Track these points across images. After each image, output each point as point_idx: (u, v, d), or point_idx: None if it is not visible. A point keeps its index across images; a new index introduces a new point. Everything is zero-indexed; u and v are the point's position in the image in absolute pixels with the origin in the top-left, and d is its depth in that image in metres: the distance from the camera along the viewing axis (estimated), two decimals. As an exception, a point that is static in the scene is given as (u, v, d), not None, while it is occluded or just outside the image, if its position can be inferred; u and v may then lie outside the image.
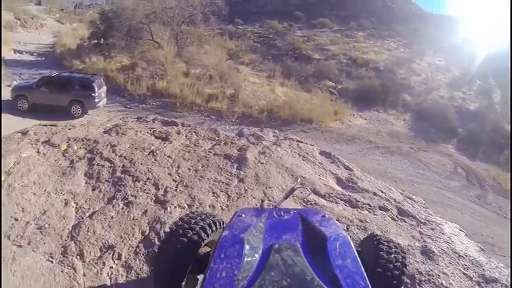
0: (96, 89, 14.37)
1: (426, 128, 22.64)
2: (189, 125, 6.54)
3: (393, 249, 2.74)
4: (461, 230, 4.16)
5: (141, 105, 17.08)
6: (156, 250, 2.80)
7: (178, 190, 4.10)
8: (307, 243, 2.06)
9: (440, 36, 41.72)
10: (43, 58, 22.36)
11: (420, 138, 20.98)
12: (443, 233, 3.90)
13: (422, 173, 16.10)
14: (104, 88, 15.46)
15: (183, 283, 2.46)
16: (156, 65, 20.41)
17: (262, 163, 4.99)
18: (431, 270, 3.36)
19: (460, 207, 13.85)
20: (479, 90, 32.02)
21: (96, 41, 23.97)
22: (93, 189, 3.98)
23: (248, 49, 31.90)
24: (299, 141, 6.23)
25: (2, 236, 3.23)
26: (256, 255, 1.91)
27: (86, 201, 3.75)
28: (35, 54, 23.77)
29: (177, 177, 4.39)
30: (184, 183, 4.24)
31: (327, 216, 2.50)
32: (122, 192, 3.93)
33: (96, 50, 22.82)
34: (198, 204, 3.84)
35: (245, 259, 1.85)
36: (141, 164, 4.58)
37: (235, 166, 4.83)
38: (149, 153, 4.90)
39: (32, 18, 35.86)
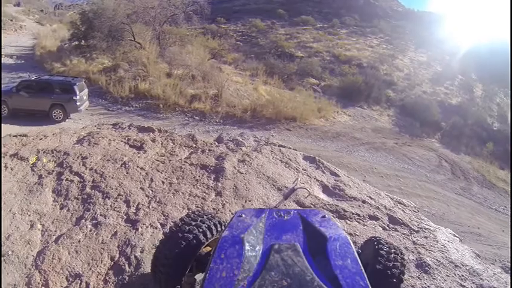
0: (78, 92, 13.85)
1: (410, 123, 22.79)
2: (166, 131, 6.32)
3: (392, 250, 2.82)
4: (455, 236, 4.01)
5: (124, 108, 16.66)
6: (155, 250, 2.77)
7: (150, 207, 3.86)
8: (307, 243, 2.10)
9: (421, 33, 42.19)
10: (23, 61, 21.67)
11: (404, 133, 21.09)
12: (437, 241, 3.77)
13: (408, 168, 16.12)
14: (86, 91, 14.98)
15: (182, 282, 2.48)
16: (138, 66, 19.98)
17: (242, 173, 4.74)
18: (428, 286, 3.19)
19: (445, 200, 13.95)
20: (460, 85, 32.48)
21: (76, 43, 23.36)
22: (61, 208, 3.71)
23: (231, 48, 31.66)
24: (281, 146, 6.02)
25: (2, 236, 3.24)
26: (256, 256, 1.94)
27: (52, 222, 3.48)
28: (14, 57, 22.99)
29: (150, 191, 4.15)
30: (158, 199, 3.99)
31: (327, 216, 2.51)
32: (90, 211, 3.66)
33: (77, 51, 22.23)
34: (172, 223, 3.45)
35: (245, 259, 1.87)
36: (112, 177, 4.31)
37: (212, 177, 4.58)
38: (121, 165, 4.64)
39: (11, 20, 34.88)
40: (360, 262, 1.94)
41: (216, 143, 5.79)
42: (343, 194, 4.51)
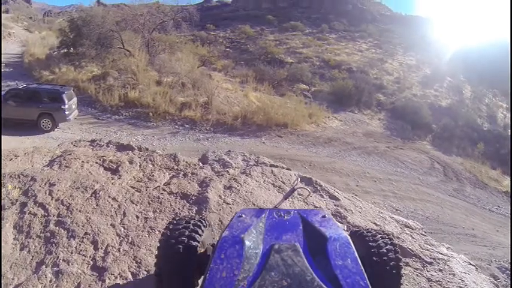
0: (66, 101, 13.49)
1: (401, 126, 22.84)
2: (147, 149, 5.90)
3: (379, 236, 2.74)
4: (470, 264, 3.79)
5: (113, 116, 16.42)
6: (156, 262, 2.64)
7: (121, 250, 3.31)
8: (308, 243, 2.08)
9: (410, 36, 42.63)
10: (11, 69, 21.30)
11: (396, 137, 21.11)
12: (454, 274, 3.46)
13: (401, 171, 16.10)
14: (75, 99, 14.65)
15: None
16: (127, 74, 19.73)
17: (228, 203, 4.20)
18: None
19: (439, 202, 13.97)
20: (450, 87, 32.80)
21: (65, 50, 22.99)
22: (21, 249, 3.24)
23: (220, 55, 31.64)
24: (273, 166, 5.49)
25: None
26: (257, 256, 1.92)
27: (11, 267, 3.04)
28: (3, 64, 22.53)
29: (122, 229, 3.61)
30: (130, 239, 3.46)
31: (327, 216, 2.50)
32: (52, 255, 3.16)
33: (66, 59, 21.82)
34: (146, 272, 3.16)
35: (245, 259, 1.86)
36: (80, 211, 3.78)
37: (194, 210, 4.04)
38: (91, 195, 4.09)
39: (0, 27, 34.33)
40: (360, 262, 1.92)
41: (201, 164, 5.30)
42: (345, 222, 4.09)
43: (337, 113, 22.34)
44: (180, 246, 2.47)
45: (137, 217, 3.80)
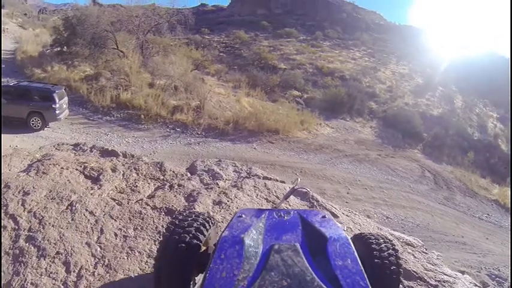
0: (57, 100, 13.31)
1: (393, 134, 22.94)
2: (132, 156, 5.55)
3: (382, 241, 2.73)
4: (476, 286, 3.67)
5: (104, 117, 16.25)
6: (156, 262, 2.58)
7: (96, 274, 2.95)
8: (308, 243, 2.08)
9: (403, 45, 43.04)
10: (3, 65, 20.99)
11: (387, 145, 21.18)
12: None
13: (391, 179, 16.13)
14: (66, 99, 14.47)
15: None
16: (120, 75, 19.61)
17: (218, 221, 3.83)
18: None
19: (430, 210, 14.03)
20: (441, 96, 33.11)
21: (59, 49, 22.81)
22: None
23: (214, 59, 31.60)
24: (266, 178, 5.17)
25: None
26: (256, 256, 1.92)
27: None
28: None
29: (98, 249, 3.21)
30: (106, 261, 3.06)
31: (327, 216, 2.51)
32: (20, 277, 2.81)
33: (59, 58, 21.63)
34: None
35: (245, 259, 1.85)
36: (53, 225, 3.40)
37: None
38: (67, 207, 3.69)
39: (-7, 23, 33.86)
40: (360, 262, 1.92)
41: (188, 174, 4.95)
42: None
43: (329, 120, 22.37)
44: (183, 244, 2.43)
45: (116, 235, 3.43)
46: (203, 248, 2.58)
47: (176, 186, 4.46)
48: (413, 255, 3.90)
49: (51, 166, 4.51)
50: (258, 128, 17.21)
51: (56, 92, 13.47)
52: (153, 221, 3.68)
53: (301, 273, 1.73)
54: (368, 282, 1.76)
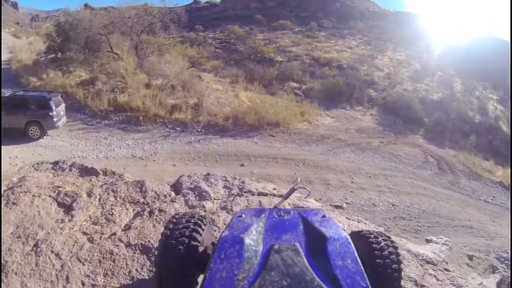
0: (54, 107, 13.23)
1: (393, 121, 22.84)
2: (113, 173, 5.21)
3: (382, 239, 2.75)
4: None
5: (103, 121, 16.15)
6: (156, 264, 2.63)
7: None
8: (308, 243, 2.10)
9: (399, 32, 42.75)
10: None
11: (389, 132, 21.09)
12: None
13: (395, 166, 16.05)
14: (63, 106, 14.39)
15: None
16: (116, 78, 19.47)
17: None
18: None
19: (435, 195, 13.99)
20: (440, 81, 32.94)
21: (53, 55, 22.65)
22: None
23: (210, 56, 31.38)
24: (261, 194, 4.79)
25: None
26: (257, 256, 1.93)
27: None
28: (-10, 73, 22.12)
29: None
30: None
31: (327, 216, 2.52)
32: None
33: (54, 64, 21.49)
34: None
35: (245, 259, 1.87)
36: (16, 273, 3.01)
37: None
38: (32, 248, 3.29)
39: (-14, 34, 33.64)
40: (360, 262, 1.93)
41: (172, 194, 4.56)
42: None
43: (329, 110, 22.26)
44: (181, 247, 2.44)
45: (83, 284, 2.99)
46: (202, 249, 2.59)
47: (157, 212, 4.05)
48: (435, 276, 3.66)
49: (22, 194, 4.15)
50: (258, 122, 17.11)
51: (53, 99, 13.39)
52: (126, 264, 3.28)
53: (301, 273, 1.74)
54: (368, 282, 1.78)
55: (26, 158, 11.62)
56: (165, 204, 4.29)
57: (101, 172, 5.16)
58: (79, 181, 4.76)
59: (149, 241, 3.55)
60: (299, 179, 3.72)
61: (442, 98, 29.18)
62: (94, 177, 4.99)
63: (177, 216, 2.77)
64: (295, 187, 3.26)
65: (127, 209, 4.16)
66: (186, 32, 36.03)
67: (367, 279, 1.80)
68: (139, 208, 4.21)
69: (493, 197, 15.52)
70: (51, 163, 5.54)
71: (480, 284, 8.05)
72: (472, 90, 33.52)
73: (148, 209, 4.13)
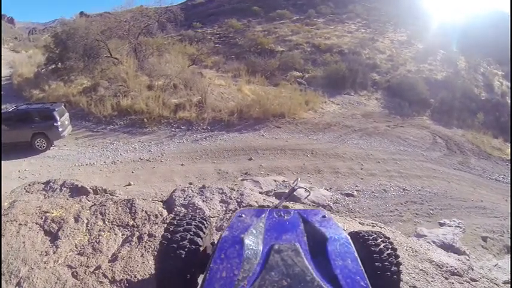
0: (58, 117, 13.35)
1: (399, 103, 22.66)
2: (105, 191, 5.02)
3: (380, 240, 2.74)
4: None
5: (108, 127, 16.22)
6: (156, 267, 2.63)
7: None
8: (308, 243, 2.10)
9: (398, 12, 42.18)
10: (1, 92, 21.09)
11: (395, 115, 20.93)
12: None
13: (404, 149, 15.95)
14: (67, 115, 14.53)
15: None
16: (118, 82, 19.49)
17: None
18: None
19: (445, 177, 13.88)
20: (443, 60, 32.49)
21: (53, 66, 22.81)
22: None
23: (210, 51, 31.27)
24: (262, 207, 4.30)
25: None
26: (257, 256, 1.93)
27: None
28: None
29: None
30: None
31: (327, 216, 2.52)
32: None
33: (55, 75, 21.63)
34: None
35: (245, 259, 1.87)
36: None
37: None
38: None
39: (-15, 52, 33.79)
40: (360, 262, 1.94)
41: (164, 213, 4.31)
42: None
43: (334, 97, 22.13)
44: (182, 251, 2.44)
45: None
46: (201, 248, 2.59)
47: (146, 237, 3.79)
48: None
49: (9, 224, 3.99)
50: (263, 114, 17.06)
51: (56, 110, 13.51)
52: (109, 304, 2.92)
53: (301, 273, 1.74)
54: (368, 282, 1.78)
55: (35, 170, 11.77)
56: (156, 226, 4.07)
57: (91, 191, 4.98)
58: (68, 203, 4.59)
59: (135, 276, 3.30)
60: (299, 179, 3.72)
61: (447, 76, 28.81)
62: (84, 196, 4.81)
63: (177, 218, 2.78)
64: (296, 187, 3.29)
65: (115, 234, 3.95)
66: (184, 30, 35.94)
67: (367, 279, 1.81)
68: (128, 232, 4.00)
69: (504, 175, 15.36)
70: (42, 183, 5.35)
71: (495, 265, 8.04)
72: (477, 67, 33.05)
73: (137, 234, 3.91)
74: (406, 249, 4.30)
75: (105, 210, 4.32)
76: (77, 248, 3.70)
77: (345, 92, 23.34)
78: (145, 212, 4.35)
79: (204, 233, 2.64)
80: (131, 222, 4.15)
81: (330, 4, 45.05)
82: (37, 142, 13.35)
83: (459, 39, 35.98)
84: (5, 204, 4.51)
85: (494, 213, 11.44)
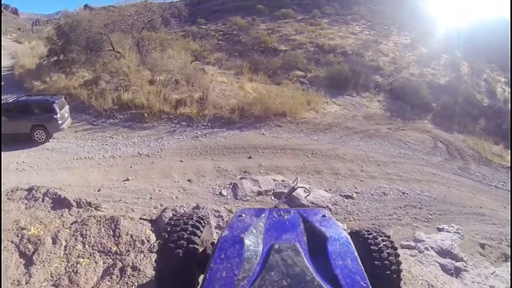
0: (58, 110, 13.33)
1: (401, 106, 22.60)
2: (89, 204, 4.61)
3: (381, 239, 2.74)
4: None
5: (108, 121, 16.15)
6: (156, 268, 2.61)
7: None
8: (308, 243, 2.10)
9: (402, 16, 42.10)
10: (3, 83, 21.01)
11: (397, 118, 20.87)
12: None
13: (404, 153, 15.89)
14: (67, 108, 14.50)
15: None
16: (119, 76, 19.46)
17: None
18: None
19: (445, 182, 13.83)
20: (447, 64, 32.44)
21: (55, 58, 22.73)
22: None
23: (213, 48, 31.20)
24: None
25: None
26: (257, 255, 1.92)
27: None
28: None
29: None
30: None
31: (327, 216, 2.51)
32: None
33: (57, 67, 21.60)
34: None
35: (245, 259, 1.86)
36: None
37: None
38: None
39: (-12, 42, 33.81)
40: (360, 262, 1.93)
41: (151, 238, 3.84)
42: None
43: (336, 98, 22.06)
44: (180, 250, 2.44)
45: None
46: (201, 249, 2.59)
47: (129, 270, 3.36)
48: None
49: None
50: (264, 112, 16.99)
51: (56, 102, 13.48)
52: None
53: (301, 273, 1.74)
54: (368, 282, 1.77)
55: (33, 163, 11.73)
56: (141, 256, 3.60)
57: (75, 204, 4.60)
58: (49, 217, 4.24)
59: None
60: (299, 179, 3.68)
61: (449, 81, 28.74)
62: (66, 210, 4.45)
63: (175, 218, 2.77)
64: (295, 187, 3.30)
65: (96, 262, 3.56)
66: (187, 26, 35.88)
67: (367, 279, 1.80)
68: (110, 260, 3.60)
69: (504, 182, 15.30)
70: (26, 190, 4.97)
71: (493, 273, 7.99)
72: (480, 73, 32.97)
73: (120, 264, 3.47)
74: (421, 284, 4.21)
75: (86, 230, 3.91)
76: (52, 277, 3.34)
77: (347, 93, 23.27)
78: (131, 235, 3.92)
79: (201, 231, 2.62)
80: (114, 249, 3.73)
81: (335, 5, 44.98)
82: (36, 134, 13.32)
83: (463, 45, 35.86)
84: None
85: (493, 220, 11.39)
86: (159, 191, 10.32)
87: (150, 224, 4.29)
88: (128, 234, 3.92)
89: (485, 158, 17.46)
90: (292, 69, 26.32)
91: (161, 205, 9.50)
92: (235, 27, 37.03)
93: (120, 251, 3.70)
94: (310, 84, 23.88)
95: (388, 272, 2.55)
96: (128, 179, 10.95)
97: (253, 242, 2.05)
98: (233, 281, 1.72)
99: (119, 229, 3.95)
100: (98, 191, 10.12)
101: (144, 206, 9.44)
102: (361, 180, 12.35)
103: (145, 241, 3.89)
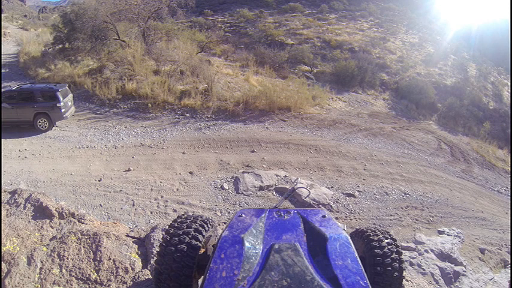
0: (61, 98, 13.28)
1: (406, 105, 22.49)
2: (72, 215, 4.29)
3: (383, 237, 2.75)
4: None
5: (112, 110, 16.06)
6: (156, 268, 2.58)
7: None
8: (308, 243, 2.11)
9: (411, 14, 41.76)
10: (7, 69, 20.98)
11: (401, 117, 20.75)
12: None
13: (408, 153, 15.78)
14: (70, 96, 14.44)
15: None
16: (124, 65, 19.29)
17: None
18: None
19: (448, 184, 13.73)
20: (454, 65, 32.22)
21: (60, 46, 22.69)
22: None
23: (219, 40, 30.93)
24: None
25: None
26: (257, 255, 1.93)
27: None
28: (-2, 66, 22.21)
29: None
30: None
31: (327, 216, 2.52)
32: None
33: (62, 55, 21.50)
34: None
35: (245, 259, 1.88)
36: None
37: None
38: None
39: (-5, 28, 33.76)
40: (360, 262, 1.94)
41: (137, 267, 3.40)
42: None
43: (341, 94, 21.94)
44: (180, 254, 2.44)
45: None
46: (202, 250, 2.60)
47: None
48: None
49: None
50: (269, 106, 16.89)
51: (59, 90, 13.44)
52: None
53: (301, 273, 1.75)
54: (368, 282, 1.78)
55: (35, 151, 11.73)
56: (123, 279, 3.24)
57: (57, 214, 4.25)
58: (28, 228, 3.93)
59: None
60: (299, 179, 3.65)
61: (456, 82, 28.56)
62: (47, 221, 4.11)
63: (179, 220, 2.76)
64: (295, 187, 3.33)
65: None
66: (194, 16, 35.59)
67: (367, 279, 1.80)
68: None
69: (506, 187, 15.22)
70: (9, 192, 4.69)
71: (491, 279, 7.95)
72: (487, 76, 32.74)
73: None
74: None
75: (64, 251, 3.50)
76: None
77: (353, 90, 23.16)
78: (113, 260, 3.48)
79: (203, 236, 2.62)
80: (93, 276, 3.31)
81: (344, 0, 44.57)
82: (39, 122, 13.31)
83: (471, 46, 35.59)
84: None
85: (494, 225, 11.32)
86: (160, 182, 10.27)
87: (136, 246, 3.88)
88: (110, 258, 3.50)
89: (489, 162, 17.37)
90: (298, 63, 26.16)
91: (162, 197, 9.47)
92: (243, 19, 36.74)
93: (100, 279, 3.30)
94: (316, 79, 23.75)
95: (390, 268, 2.54)
96: (129, 170, 10.90)
97: (253, 242, 2.05)
98: (233, 280, 1.72)
99: (100, 252, 3.54)
100: (99, 180, 10.08)
101: (145, 197, 9.41)
102: (364, 179, 12.27)
103: (130, 269, 3.46)
